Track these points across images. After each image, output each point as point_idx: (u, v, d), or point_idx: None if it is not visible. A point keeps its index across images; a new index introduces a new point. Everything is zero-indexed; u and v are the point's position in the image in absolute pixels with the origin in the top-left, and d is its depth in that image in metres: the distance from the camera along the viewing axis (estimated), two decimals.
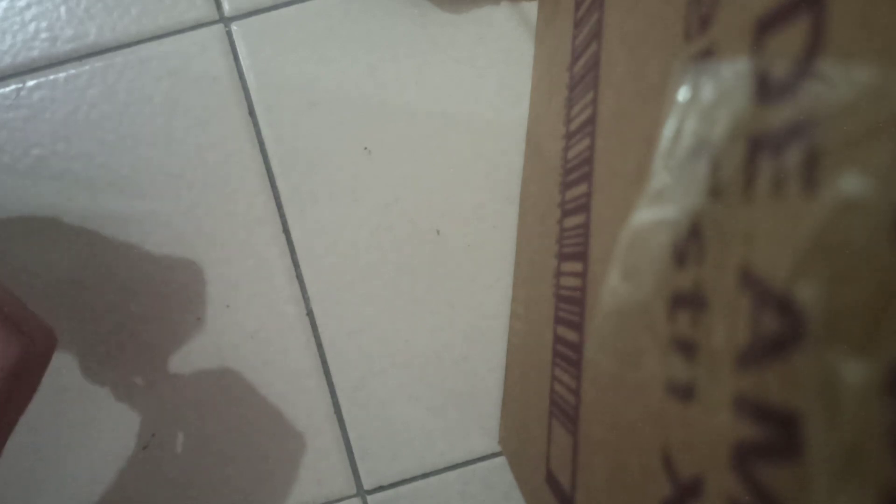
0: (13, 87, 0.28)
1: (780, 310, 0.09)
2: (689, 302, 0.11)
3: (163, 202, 0.29)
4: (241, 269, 0.29)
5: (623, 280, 0.15)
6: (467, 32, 0.29)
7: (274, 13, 0.29)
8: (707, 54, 0.11)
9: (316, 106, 0.29)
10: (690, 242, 0.12)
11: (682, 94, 0.12)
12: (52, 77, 0.28)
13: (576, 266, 0.19)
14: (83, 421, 0.29)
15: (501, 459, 0.30)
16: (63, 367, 0.28)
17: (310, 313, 0.29)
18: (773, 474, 0.09)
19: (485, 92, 0.29)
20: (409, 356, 0.29)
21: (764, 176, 0.09)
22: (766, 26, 0.10)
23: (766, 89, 0.10)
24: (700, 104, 0.12)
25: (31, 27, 0.28)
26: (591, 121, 0.18)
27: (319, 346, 0.29)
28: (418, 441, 0.29)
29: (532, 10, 0.29)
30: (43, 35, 0.28)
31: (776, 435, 0.09)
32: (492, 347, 0.29)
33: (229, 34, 0.29)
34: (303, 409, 0.29)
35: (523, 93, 0.29)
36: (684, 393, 0.11)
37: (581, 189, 0.19)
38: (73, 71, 0.28)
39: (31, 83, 0.28)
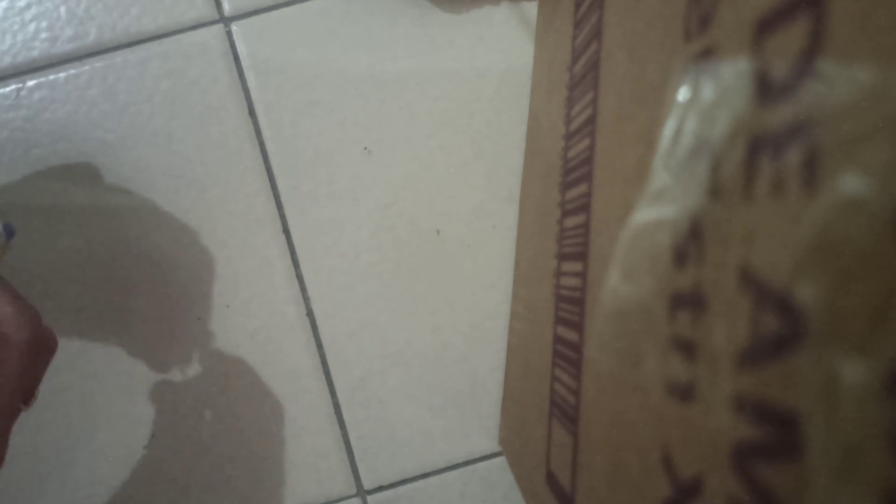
0: (13, 87, 0.28)
1: (780, 310, 0.09)
2: (689, 302, 0.11)
3: (163, 202, 0.29)
4: (241, 269, 0.29)
5: (623, 280, 0.15)
6: (467, 32, 0.29)
7: (274, 13, 0.29)
8: (707, 54, 0.11)
9: (316, 106, 0.29)
10: (690, 242, 0.12)
11: (682, 94, 0.12)
12: (52, 77, 0.28)
13: (576, 266, 0.19)
14: (83, 421, 0.29)
15: (501, 459, 0.30)
16: (63, 367, 0.28)
17: (310, 313, 0.29)
18: (773, 474, 0.09)
19: (485, 92, 0.29)
20: (409, 356, 0.29)
21: (764, 176, 0.09)
22: (766, 26, 0.10)
23: (766, 89, 0.10)
24: (700, 104, 0.12)
25: (31, 27, 0.28)
26: (591, 121, 0.18)
27: (319, 346, 0.29)
28: (418, 441, 0.29)
29: (532, 10, 0.29)
30: (43, 35, 0.28)
31: (776, 435, 0.09)
32: (492, 347, 0.29)
33: (229, 34, 0.29)
34: (303, 409, 0.29)
35: (523, 93, 0.29)
36: (684, 393, 0.11)
37: (581, 189, 0.19)
38: (73, 71, 0.28)
39: (31, 83, 0.28)
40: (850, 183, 0.08)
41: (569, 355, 0.19)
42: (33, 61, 0.28)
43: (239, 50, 0.29)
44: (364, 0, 0.29)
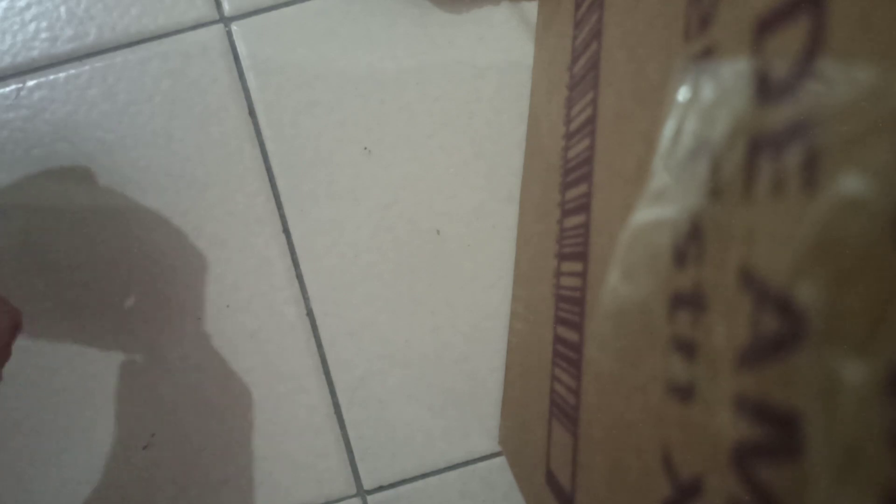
0: (13, 87, 0.28)
1: (780, 310, 0.09)
2: (689, 302, 0.11)
3: (163, 202, 0.29)
4: (241, 269, 0.29)
5: (623, 280, 0.15)
6: (467, 32, 0.29)
7: (274, 13, 0.29)
8: (707, 54, 0.11)
9: (316, 106, 0.29)
10: (690, 242, 0.12)
11: (682, 94, 0.12)
12: (52, 77, 0.28)
13: (576, 266, 0.19)
14: (83, 421, 0.29)
15: (501, 459, 0.30)
16: (63, 367, 0.28)
17: (310, 313, 0.29)
18: (773, 474, 0.09)
19: (485, 92, 0.29)
20: (409, 356, 0.29)
21: (764, 176, 0.09)
22: (766, 26, 0.10)
23: (766, 89, 0.10)
24: (700, 104, 0.12)
25: (31, 27, 0.28)
26: (591, 121, 0.18)
27: (319, 346, 0.29)
28: (418, 441, 0.29)
29: (532, 10, 0.29)
30: (43, 35, 0.28)
31: (776, 435, 0.09)
32: (492, 347, 0.29)
33: (229, 34, 0.29)
34: (303, 409, 0.29)
35: (523, 93, 0.29)
36: (684, 393, 0.11)
37: (581, 189, 0.19)
38: (73, 71, 0.28)
39: (31, 83, 0.28)
40: (850, 183, 0.08)
41: (569, 355, 0.19)
42: (33, 61, 0.28)
43: (239, 50, 0.29)
44: (364, 0, 0.29)
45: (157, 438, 0.29)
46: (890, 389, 0.07)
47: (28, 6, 0.28)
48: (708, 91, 0.11)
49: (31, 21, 0.28)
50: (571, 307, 0.19)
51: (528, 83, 0.29)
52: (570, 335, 0.19)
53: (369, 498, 0.30)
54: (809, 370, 0.08)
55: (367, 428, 0.29)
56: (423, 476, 0.30)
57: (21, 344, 0.28)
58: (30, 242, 0.28)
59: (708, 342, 0.11)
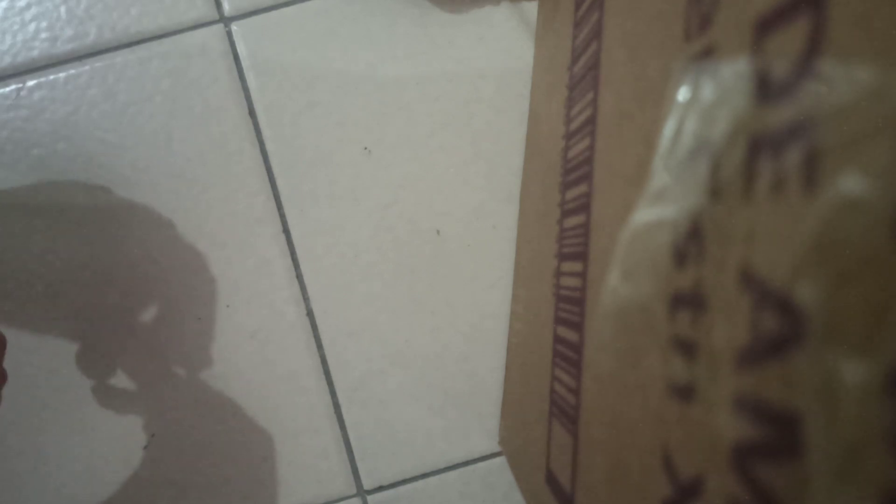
0: (13, 87, 0.28)
1: (780, 310, 0.09)
2: (689, 302, 0.11)
3: (163, 202, 0.29)
4: (241, 269, 0.29)
5: (623, 280, 0.15)
6: (467, 32, 0.29)
7: (274, 13, 0.29)
8: (707, 54, 0.11)
9: (316, 106, 0.29)
10: (690, 242, 0.12)
11: (682, 94, 0.12)
12: (52, 77, 0.28)
13: (576, 266, 0.19)
14: (83, 421, 0.29)
15: (501, 459, 0.30)
16: (63, 368, 0.28)
17: (310, 313, 0.29)
18: (773, 474, 0.09)
19: (485, 92, 0.29)
20: (409, 356, 0.29)
21: (764, 176, 0.09)
22: (766, 26, 0.10)
23: (766, 89, 0.10)
24: (700, 104, 0.12)
25: (31, 27, 0.28)
26: (591, 121, 0.18)
27: (319, 346, 0.29)
28: (418, 441, 0.29)
29: (532, 10, 0.29)
30: (43, 35, 0.28)
31: (776, 435, 0.09)
32: (492, 347, 0.29)
33: (229, 34, 0.29)
34: (303, 409, 0.29)
35: (523, 93, 0.29)
36: (684, 393, 0.11)
37: (581, 189, 0.19)
38: (73, 71, 0.28)
39: (31, 83, 0.28)
40: (851, 183, 0.08)
41: (569, 355, 0.19)
42: (33, 61, 0.28)
43: (239, 50, 0.29)
44: (364, 0, 0.29)
45: (157, 438, 0.29)
46: (890, 389, 0.07)
47: (28, 6, 0.28)
48: (708, 91, 0.11)
49: (31, 21, 0.28)
50: (571, 307, 0.19)
51: (528, 83, 0.29)
52: (570, 335, 0.19)
53: (369, 498, 0.30)
54: (809, 370, 0.08)
55: (367, 428, 0.29)
56: (423, 476, 0.30)
57: (21, 344, 0.28)
58: (29, 243, 0.28)
59: (708, 342, 0.11)
